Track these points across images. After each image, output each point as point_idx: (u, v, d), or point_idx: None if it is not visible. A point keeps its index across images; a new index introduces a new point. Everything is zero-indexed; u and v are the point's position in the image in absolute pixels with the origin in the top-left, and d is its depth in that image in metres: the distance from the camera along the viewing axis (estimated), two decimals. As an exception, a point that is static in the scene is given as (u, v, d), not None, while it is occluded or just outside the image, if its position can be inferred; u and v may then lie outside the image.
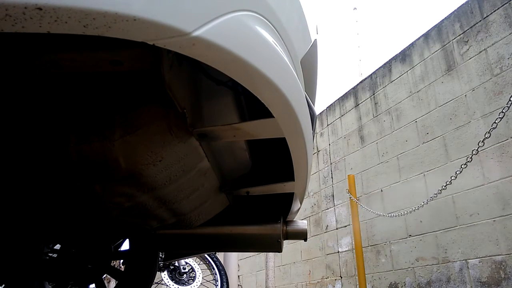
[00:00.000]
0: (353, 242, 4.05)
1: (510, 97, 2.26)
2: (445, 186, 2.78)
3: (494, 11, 3.21)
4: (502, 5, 3.14)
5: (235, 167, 1.09)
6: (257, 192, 1.10)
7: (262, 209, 1.32)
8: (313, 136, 0.99)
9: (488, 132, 2.43)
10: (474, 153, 2.54)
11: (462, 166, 2.66)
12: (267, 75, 0.54)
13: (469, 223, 3.09)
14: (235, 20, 0.47)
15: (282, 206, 1.27)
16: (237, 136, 0.79)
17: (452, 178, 2.73)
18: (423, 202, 2.97)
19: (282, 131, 0.72)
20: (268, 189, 1.07)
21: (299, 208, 1.28)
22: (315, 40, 0.96)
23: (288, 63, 0.64)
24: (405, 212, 3.23)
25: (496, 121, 2.37)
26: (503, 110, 2.35)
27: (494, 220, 2.91)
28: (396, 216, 3.43)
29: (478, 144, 2.50)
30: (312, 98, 1.03)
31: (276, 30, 0.62)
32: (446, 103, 3.49)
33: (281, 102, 0.61)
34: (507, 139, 2.93)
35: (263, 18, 0.55)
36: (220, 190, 1.09)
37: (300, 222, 1.30)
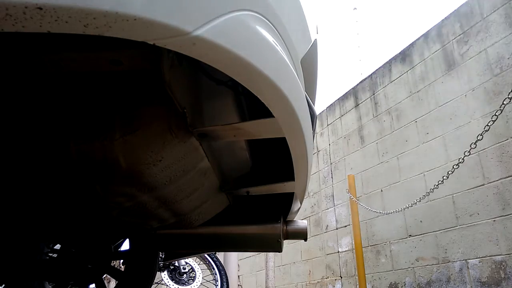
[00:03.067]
0: (353, 242, 4.05)
1: (503, 100, 2.25)
2: (436, 185, 2.78)
3: (494, 11, 3.21)
4: (502, 5, 3.14)
5: (235, 167, 1.09)
6: (257, 192, 1.10)
7: (262, 209, 1.32)
8: (313, 136, 0.99)
9: (481, 135, 2.43)
10: (466, 154, 2.56)
11: (454, 167, 2.67)
12: (268, 75, 0.54)
13: (469, 223, 3.09)
14: (236, 20, 0.47)
15: (282, 206, 1.27)
16: (238, 136, 0.79)
17: (444, 177, 2.74)
18: (417, 200, 2.97)
19: (282, 131, 0.72)
20: (268, 189, 1.07)
21: (299, 208, 1.28)
22: (315, 40, 0.96)
23: (288, 63, 0.64)
24: (403, 208, 3.23)
25: (489, 124, 2.37)
26: (496, 113, 2.34)
27: (494, 220, 2.91)
28: (394, 212, 3.43)
29: (471, 146, 2.50)
30: (312, 98, 1.03)
31: (276, 30, 0.62)
32: (446, 103, 3.49)
33: (282, 102, 0.61)
34: (507, 139, 2.93)
35: (263, 18, 0.55)
36: (220, 190, 1.09)
37: (300, 222, 1.30)
